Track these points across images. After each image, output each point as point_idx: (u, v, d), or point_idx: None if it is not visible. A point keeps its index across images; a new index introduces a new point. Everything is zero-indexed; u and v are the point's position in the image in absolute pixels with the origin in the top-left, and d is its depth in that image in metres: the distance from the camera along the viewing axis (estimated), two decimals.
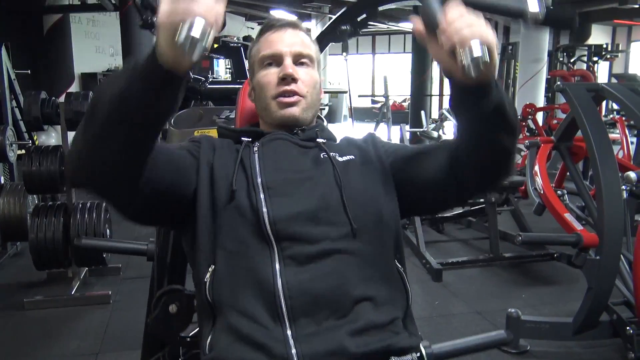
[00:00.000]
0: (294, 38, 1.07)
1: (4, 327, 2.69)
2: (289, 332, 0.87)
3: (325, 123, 1.20)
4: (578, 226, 2.27)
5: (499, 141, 0.89)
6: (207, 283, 0.93)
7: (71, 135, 3.45)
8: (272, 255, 0.91)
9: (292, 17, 1.15)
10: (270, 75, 1.06)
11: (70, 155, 0.85)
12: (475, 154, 0.91)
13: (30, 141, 4.34)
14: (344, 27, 1.35)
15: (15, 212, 3.27)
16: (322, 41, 1.50)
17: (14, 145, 3.79)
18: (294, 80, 1.04)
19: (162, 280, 1.29)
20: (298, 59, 1.07)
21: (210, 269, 0.93)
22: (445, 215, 4.49)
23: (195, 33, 0.66)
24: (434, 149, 1.03)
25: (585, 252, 2.19)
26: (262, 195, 0.94)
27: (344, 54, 1.47)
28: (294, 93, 1.05)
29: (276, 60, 1.06)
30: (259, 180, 0.96)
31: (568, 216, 2.33)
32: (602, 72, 11.84)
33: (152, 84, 0.74)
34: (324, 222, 0.94)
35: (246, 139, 1.06)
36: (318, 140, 1.06)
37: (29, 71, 5.32)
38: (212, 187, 0.96)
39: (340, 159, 1.03)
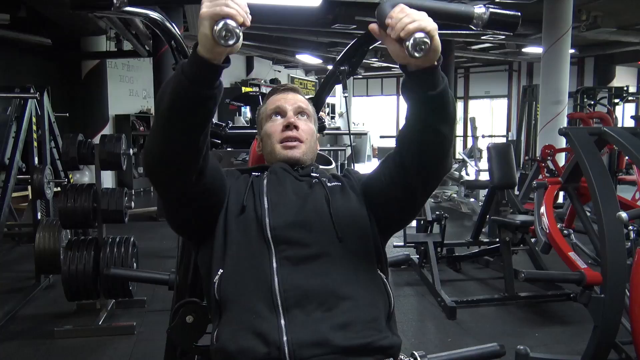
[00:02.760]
0: (295, 98, 1.36)
1: (35, 354, 2.85)
2: (282, 322, 1.01)
3: (332, 165, 1.44)
4: (582, 264, 2.33)
5: (438, 127, 1.03)
6: (216, 284, 1.09)
7: (104, 174, 3.66)
8: (270, 256, 1.08)
9: (293, 85, 1.46)
10: (276, 125, 1.32)
11: (145, 149, 1.06)
12: (416, 137, 1.06)
13: (66, 179, 4.58)
14: (342, 68, 1.51)
15: (50, 246, 3.47)
16: (327, 84, 1.67)
17: (51, 183, 4.03)
18: (295, 127, 1.30)
19: (181, 298, 1.43)
20: (298, 112, 1.34)
21: (219, 272, 1.10)
22: (462, 254, 4.54)
23: (230, 24, 0.84)
24: (385, 158, 1.19)
25: (589, 290, 2.25)
26: (266, 207, 1.15)
27: (344, 92, 1.65)
28: (295, 139, 1.30)
29: (281, 112, 1.34)
30: (265, 198, 1.17)
31: (572, 255, 2.39)
32: (628, 114, 11.79)
33: (196, 75, 0.92)
34: (315, 230, 1.12)
35: (256, 173, 1.28)
36: (312, 174, 1.28)
37: (67, 114, 5.63)
38: (227, 203, 1.17)
39: (329, 184, 1.24)
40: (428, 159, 1.08)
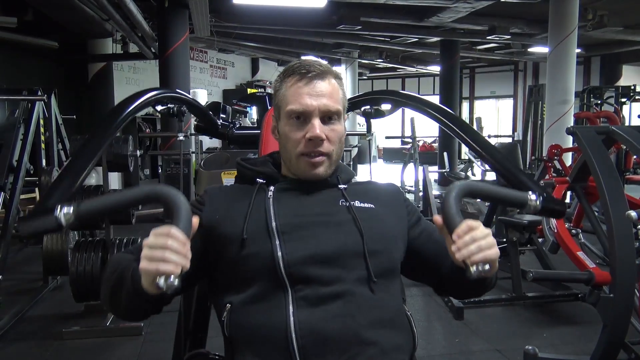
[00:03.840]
0: (323, 90, 1.06)
1: (43, 354, 2.86)
2: None
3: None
4: (590, 264, 2.32)
5: (476, 294, 1.14)
6: (225, 321, 0.99)
7: (111, 175, 3.65)
8: (286, 298, 0.95)
9: (323, 63, 1.11)
10: (298, 133, 1.06)
11: (103, 300, 1.03)
12: (456, 290, 1.16)
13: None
14: (364, 108, 1.49)
15: (58, 247, 3.49)
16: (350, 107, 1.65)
17: None
18: (321, 140, 1.06)
19: (186, 337, 1.39)
20: (325, 115, 1.07)
21: (227, 307, 0.99)
22: None
23: (170, 280, 0.83)
24: (445, 251, 1.03)
25: (598, 289, 2.23)
26: (277, 242, 0.98)
27: (369, 135, 1.66)
28: (319, 153, 1.06)
29: (304, 116, 1.06)
30: (274, 224, 1.00)
31: (580, 254, 2.38)
32: (635, 114, 11.72)
33: (144, 298, 0.89)
34: (338, 265, 0.98)
35: (261, 181, 1.10)
36: (339, 187, 1.11)
37: (74, 116, 5.66)
38: (223, 239, 1.02)
39: (360, 204, 1.07)
40: (461, 298, 1.24)
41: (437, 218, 0.97)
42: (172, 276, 0.82)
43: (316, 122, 1.05)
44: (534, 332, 3.17)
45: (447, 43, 9.93)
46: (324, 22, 8.35)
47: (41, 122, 4.22)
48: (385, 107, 1.55)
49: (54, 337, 3.05)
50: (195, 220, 0.90)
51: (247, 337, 0.96)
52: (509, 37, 9.01)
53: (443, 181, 9.31)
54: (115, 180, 8.26)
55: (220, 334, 1.03)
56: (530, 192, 1.04)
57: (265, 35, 9.78)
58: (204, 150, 8.08)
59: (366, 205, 1.08)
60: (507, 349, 2.90)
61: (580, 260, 2.36)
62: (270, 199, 1.06)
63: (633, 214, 1.83)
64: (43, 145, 4.28)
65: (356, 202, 1.08)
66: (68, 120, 5.00)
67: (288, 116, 1.08)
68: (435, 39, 9.89)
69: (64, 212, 0.91)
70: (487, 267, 0.89)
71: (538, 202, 1.03)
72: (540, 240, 3.95)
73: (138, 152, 3.59)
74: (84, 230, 3.68)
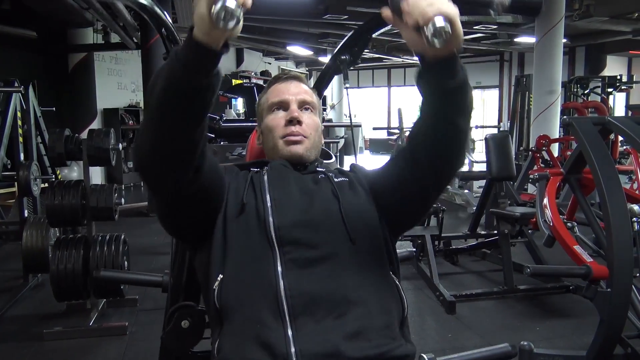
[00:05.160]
0: (298, 88, 1.24)
1: (23, 357, 2.76)
2: (289, 332, 0.93)
3: (332, 159, 1.36)
4: (587, 258, 2.28)
5: (455, 120, 0.96)
6: (216, 290, 1.00)
7: (93, 170, 3.54)
8: (274, 259, 0.99)
9: (297, 71, 1.26)
10: (278, 118, 1.21)
11: (136, 144, 0.96)
12: (432, 131, 0.99)
13: (53, 176, 4.47)
14: (343, 57, 1.44)
15: (38, 244, 3.37)
16: (327, 75, 1.59)
17: (37, 179, 3.92)
18: (299, 122, 1.20)
19: (175, 300, 1.35)
20: (302, 105, 1.23)
21: (219, 278, 1.01)
22: (459, 247, 4.49)
23: (230, 4, 0.74)
24: (395, 155, 1.12)
25: (595, 284, 2.19)
26: (269, 205, 1.06)
27: (345, 82, 1.55)
28: (298, 134, 1.19)
29: (283, 105, 1.22)
30: (267, 195, 1.08)
31: (577, 248, 2.34)
32: (618, 103, 11.82)
33: (191, 62, 0.83)
34: (323, 230, 1.03)
35: (255, 169, 1.18)
36: (318, 169, 1.19)
37: (54, 108, 5.49)
38: (226, 203, 1.08)
39: (336, 179, 1.15)
40: (443, 153, 1.01)
41: (385, 10, 0.90)
42: (234, 1, 0.74)
43: (294, 106, 1.21)
44: (527, 325, 3.14)
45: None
46: (310, 11, 8.24)
47: (18, 114, 4.11)
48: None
49: (34, 338, 2.94)
50: None
51: (238, 301, 0.98)
52: (495, 26, 8.99)
53: None
54: (97, 174, 8.10)
55: None
56: None
57: (251, 25, 9.64)
58: None
59: (340, 179, 1.16)
60: (500, 343, 2.85)
61: (577, 255, 2.32)
62: (265, 175, 1.14)
63: (636, 207, 1.78)
64: (21, 139, 4.16)
65: (333, 177, 1.16)
66: (47, 113, 4.86)
67: (269, 109, 1.24)
68: None
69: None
70: (445, 24, 0.78)
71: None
72: (529, 232, 3.93)
73: (120, 145, 3.48)
74: (65, 226, 3.56)
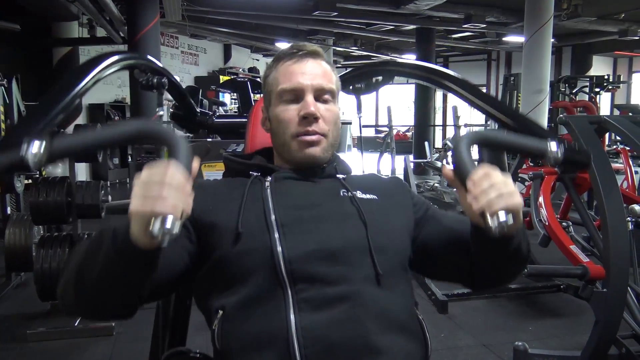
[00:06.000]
0: (316, 69, 1.00)
1: (6, 358, 2.68)
2: None
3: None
4: (584, 258, 2.26)
5: (509, 269, 0.97)
6: (216, 331, 0.87)
7: (78, 166, 3.45)
8: (286, 299, 0.84)
9: (313, 46, 1.04)
10: (291, 112, 0.99)
11: (60, 286, 0.83)
12: (487, 272, 0.98)
13: (37, 172, 4.37)
14: (358, 85, 1.39)
15: (21, 242, 3.28)
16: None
17: (21, 176, 3.82)
18: (315, 119, 0.99)
19: (164, 335, 1.27)
20: (319, 94, 1.00)
21: (219, 314, 0.87)
22: None
23: (167, 225, 0.67)
24: (461, 233, 0.97)
25: (592, 284, 2.18)
26: (276, 235, 0.88)
27: (359, 113, 1.54)
28: (315, 133, 0.99)
29: (296, 95, 0.99)
30: (273, 217, 0.90)
31: (574, 248, 2.32)
32: (604, 103, 11.93)
33: (129, 259, 0.74)
34: (342, 262, 0.88)
35: (255, 173, 1.00)
36: (338, 176, 1.02)
37: (38, 103, 5.38)
38: (215, 233, 0.91)
39: (362, 196, 0.98)
40: (498, 282, 1.03)
41: (447, 169, 0.86)
42: (170, 219, 0.67)
43: (310, 99, 0.98)
44: (519, 325, 3.13)
45: (423, 31, 9.87)
46: (299, 7, 8.18)
47: (1, 109, 4.02)
48: (375, 78, 1.44)
49: (17, 339, 2.86)
50: (196, 164, 0.75)
51: (241, 347, 0.85)
52: (484, 25, 9.00)
53: (418, 170, 9.28)
54: (82, 171, 7.97)
55: (200, 333, 0.91)
56: (550, 140, 0.92)
57: (239, 21, 9.54)
58: None
59: (369, 196, 0.99)
60: (493, 343, 2.84)
61: (573, 255, 2.30)
62: (268, 189, 0.95)
63: (637, 207, 1.76)
64: (4, 134, 4.05)
65: (358, 192, 0.99)
66: (32, 107, 4.74)
67: (280, 97, 1.01)
68: (411, 26, 9.81)
69: (34, 147, 0.72)
70: (509, 217, 0.77)
71: (559, 152, 0.90)
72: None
73: None
74: (50, 224, 3.47)
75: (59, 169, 5.77)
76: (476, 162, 0.83)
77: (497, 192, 0.77)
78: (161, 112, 1.61)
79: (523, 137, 0.95)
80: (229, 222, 0.90)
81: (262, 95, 1.12)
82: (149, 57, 1.35)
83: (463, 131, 7.64)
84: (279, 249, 0.87)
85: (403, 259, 0.96)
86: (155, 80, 1.23)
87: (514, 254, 0.89)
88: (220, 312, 0.87)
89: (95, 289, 0.78)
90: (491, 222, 0.77)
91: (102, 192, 3.14)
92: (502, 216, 0.77)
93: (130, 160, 8.57)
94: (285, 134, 1.00)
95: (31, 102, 4.92)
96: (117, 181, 9.14)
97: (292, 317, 0.83)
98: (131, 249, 0.72)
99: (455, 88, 1.27)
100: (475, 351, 2.77)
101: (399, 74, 1.42)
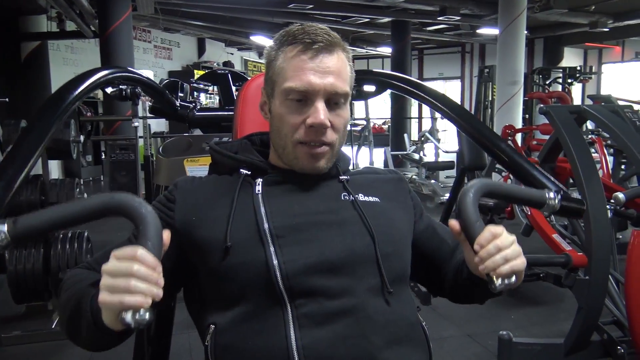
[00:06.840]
0: (330, 67, 0.88)
1: None
2: None
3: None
4: (566, 246, 2.28)
5: (484, 299, 1.00)
6: (209, 346, 0.82)
7: (51, 164, 3.34)
8: (285, 316, 0.79)
9: (330, 32, 0.92)
10: (297, 116, 0.88)
11: (62, 328, 0.83)
12: (461, 296, 1.02)
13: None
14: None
15: None
16: None
17: None
18: (325, 128, 0.88)
19: (148, 336, 1.22)
20: (331, 98, 0.89)
21: (211, 328, 0.82)
22: None
23: (137, 315, 0.66)
24: (452, 250, 1.00)
25: (574, 272, 2.20)
26: (271, 248, 0.81)
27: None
28: (322, 143, 0.89)
29: (305, 97, 0.88)
30: (266, 226, 0.83)
31: (556, 237, 2.34)
32: (575, 94, 12.15)
33: (110, 333, 0.71)
34: (344, 274, 0.83)
35: (245, 171, 0.92)
36: (341, 178, 0.95)
37: (7, 99, 5.22)
38: (201, 247, 0.84)
39: (364, 198, 0.92)
40: (467, 303, 1.05)
41: (454, 223, 0.82)
42: (142, 310, 0.66)
43: (320, 105, 0.87)
44: (501, 314, 3.15)
45: (398, 24, 9.90)
46: (274, 0, 8.10)
47: None
48: (369, 88, 1.41)
49: None
50: (167, 236, 0.72)
51: None
52: (459, 18, 9.06)
53: (397, 163, 9.32)
54: (55, 168, 7.78)
55: (184, 332, 0.85)
56: (547, 191, 0.93)
57: (213, 14, 9.42)
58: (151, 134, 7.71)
59: (371, 199, 0.93)
60: (477, 333, 2.86)
61: (556, 243, 2.32)
62: (259, 195, 0.87)
63: (621, 195, 1.78)
64: None
65: (360, 195, 0.92)
66: (1, 104, 4.60)
67: (286, 95, 0.88)
68: (386, 19, 9.83)
69: None
70: (513, 279, 0.78)
71: (556, 201, 0.93)
72: (500, 220, 3.95)
73: (81, 138, 3.30)
74: None
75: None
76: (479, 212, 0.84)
77: (503, 256, 0.77)
78: (136, 124, 1.53)
79: (524, 189, 1.01)
80: (217, 234, 0.83)
81: (264, 77, 0.97)
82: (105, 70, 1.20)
83: (439, 123, 7.69)
84: (275, 262, 0.81)
85: (406, 265, 0.93)
86: (129, 91, 1.17)
87: (493, 295, 0.89)
88: (212, 327, 0.82)
89: (85, 345, 0.78)
90: (496, 283, 0.78)
91: (77, 189, 3.05)
92: (507, 280, 0.78)
93: (104, 157, 8.40)
94: (287, 137, 0.89)
95: (0, 97, 4.78)
96: (90, 179, 8.96)
97: (292, 334, 0.78)
98: (108, 329, 0.70)
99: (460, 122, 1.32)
100: (460, 341, 2.78)
101: (390, 88, 1.42)
